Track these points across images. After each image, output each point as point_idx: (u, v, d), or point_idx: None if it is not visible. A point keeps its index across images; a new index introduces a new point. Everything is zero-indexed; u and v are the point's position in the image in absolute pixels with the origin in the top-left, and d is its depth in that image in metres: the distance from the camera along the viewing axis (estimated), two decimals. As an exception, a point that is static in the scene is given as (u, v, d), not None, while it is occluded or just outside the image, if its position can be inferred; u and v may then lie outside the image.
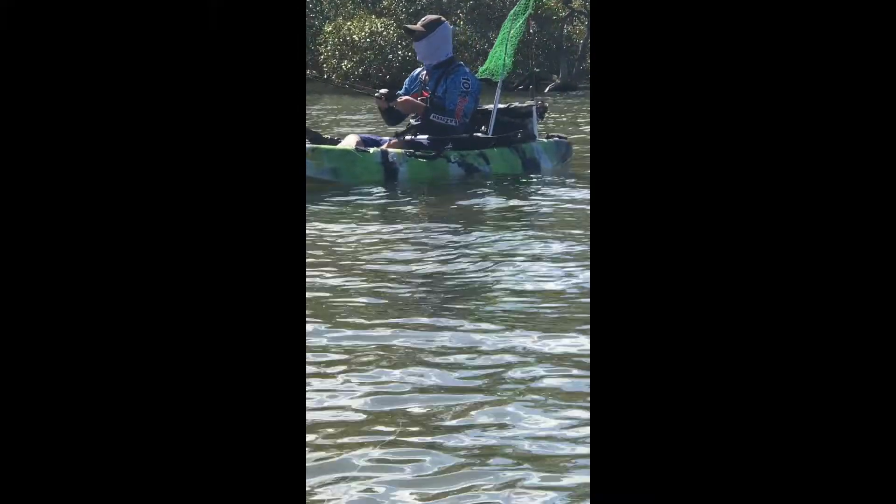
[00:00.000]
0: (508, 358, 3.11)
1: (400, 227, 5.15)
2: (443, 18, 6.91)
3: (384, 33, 19.46)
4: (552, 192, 6.28)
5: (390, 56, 19.77)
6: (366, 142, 6.64)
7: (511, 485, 2.30)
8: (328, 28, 21.22)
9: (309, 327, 3.28)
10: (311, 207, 5.45)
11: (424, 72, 6.80)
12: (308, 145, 6.38)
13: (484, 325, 3.40)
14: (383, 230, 5.05)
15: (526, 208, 5.76)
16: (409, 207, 5.79)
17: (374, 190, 6.14)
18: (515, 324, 3.41)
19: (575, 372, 2.93)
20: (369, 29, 20.36)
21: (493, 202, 5.90)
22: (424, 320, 3.47)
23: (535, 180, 6.72)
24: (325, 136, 6.74)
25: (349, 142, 6.58)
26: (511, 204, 5.85)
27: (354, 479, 2.36)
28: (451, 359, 3.13)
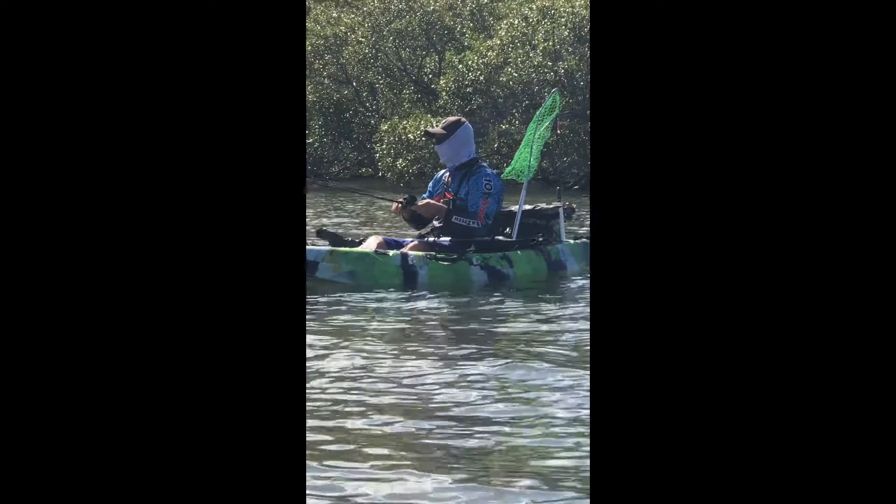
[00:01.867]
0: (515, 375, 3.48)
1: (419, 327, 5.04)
2: (463, 119, 6.82)
3: (439, 132, 19.54)
4: (577, 294, 6.14)
5: (445, 155, 19.84)
6: (388, 244, 6.55)
7: (511, 491, 2.42)
8: (384, 127, 21.39)
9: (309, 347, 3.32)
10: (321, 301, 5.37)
11: (447, 174, 6.73)
12: (326, 247, 6.31)
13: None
14: (395, 330, 4.93)
15: (549, 314, 5.57)
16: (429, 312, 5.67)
17: (392, 294, 6.03)
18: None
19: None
20: (425, 128, 20.47)
21: (515, 307, 5.74)
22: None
23: (560, 283, 6.56)
24: (347, 238, 6.65)
25: (370, 244, 6.50)
26: (533, 309, 5.69)
27: (354, 480, 2.49)
28: (454, 367, 3.41)
